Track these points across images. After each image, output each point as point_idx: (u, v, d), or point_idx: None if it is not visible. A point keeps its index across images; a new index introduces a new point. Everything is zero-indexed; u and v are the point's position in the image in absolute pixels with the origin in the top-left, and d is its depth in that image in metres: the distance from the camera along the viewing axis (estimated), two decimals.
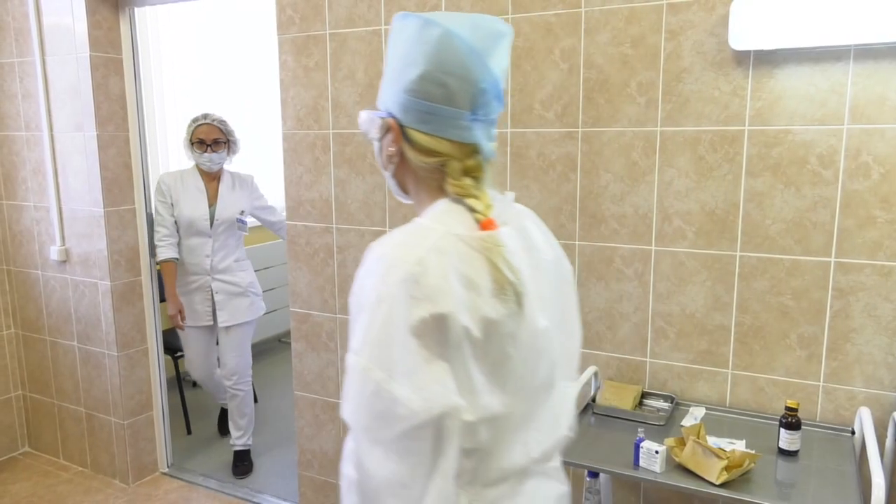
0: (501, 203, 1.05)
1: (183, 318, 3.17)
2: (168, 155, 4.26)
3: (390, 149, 1.03)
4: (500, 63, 0.99)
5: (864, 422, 1.71)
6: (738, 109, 1.85)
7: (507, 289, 0.94)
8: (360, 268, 0.97)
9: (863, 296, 1.79)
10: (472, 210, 0.99)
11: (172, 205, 3.07)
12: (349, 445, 0.98)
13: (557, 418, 1.10)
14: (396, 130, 1.01)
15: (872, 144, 1.73)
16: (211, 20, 4.37)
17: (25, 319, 3.36)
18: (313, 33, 2.40)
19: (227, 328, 3.21)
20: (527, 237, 1.04)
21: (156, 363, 3.23)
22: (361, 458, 0.94)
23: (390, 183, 1.10)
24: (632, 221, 2.02)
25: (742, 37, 1.76)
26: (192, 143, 3.07)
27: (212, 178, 3.17)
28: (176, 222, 3.09)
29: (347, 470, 0.97)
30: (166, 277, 3.11)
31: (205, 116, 3.12)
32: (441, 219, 0.97)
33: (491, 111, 1.00)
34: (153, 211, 3.10)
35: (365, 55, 2.32)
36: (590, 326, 2.12)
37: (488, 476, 1.01)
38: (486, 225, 0.96)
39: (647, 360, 2.07)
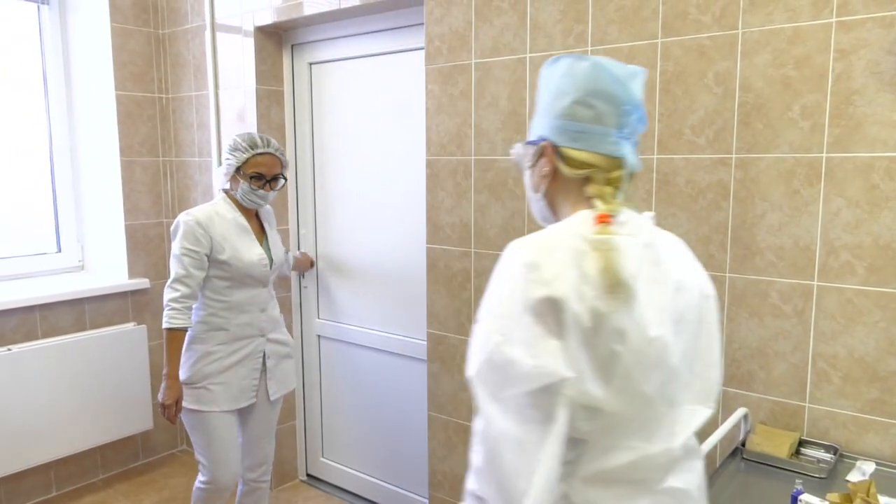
0: (635, 219, 1.15)
1: (178, 410, 2.35)
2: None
3: (545, 168, 1.18)
4: (637, 93, 1.16)
5: None
6: None
7: (617, 287, 1.03)
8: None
9: None
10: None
11: (208, 254, 2.32)
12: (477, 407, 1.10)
13: (674, 436, 1.12)
14: (550, 151, 1.17)
15: None
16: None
17: None
18: (459, 63, 2.47)
19: (273, 402, 2.57)
20: (653, 252, 1.12)
21: (299, 375, 3.41)
22: (484, 409, 1.05)
23: (538, 206, 1.25)
24: (791, 254, 1.88)
25: None
26: (247, 176, 2.34)
27: (250, 212, 2.49)
28: (208, 275, 2.35)
29: (476, 426, 1.08)
30: (173, 352, 2.30)
31: (267, 143, 2.38)
32: (569, 221, 1.12)
33: (635, 130, 1.16)
34: (175, 261, 2.31)
35: (509, 83, 2.35)
36: (739, 364, 1.99)
37: (588, 472, 1.08)
38: (601, 218, 1.08)
39: (806, 404, 1.90)
